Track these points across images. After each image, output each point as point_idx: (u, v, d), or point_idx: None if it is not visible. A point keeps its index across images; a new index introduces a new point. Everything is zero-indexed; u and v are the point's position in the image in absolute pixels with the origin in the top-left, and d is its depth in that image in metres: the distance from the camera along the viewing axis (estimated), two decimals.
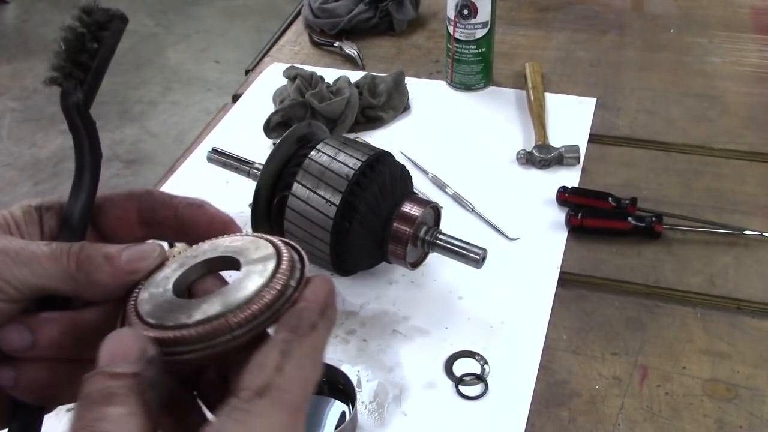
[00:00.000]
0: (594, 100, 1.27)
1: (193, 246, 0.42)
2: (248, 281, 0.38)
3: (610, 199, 1.03)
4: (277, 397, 0.34)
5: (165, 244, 0.99)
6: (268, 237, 0.42)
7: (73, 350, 0.40)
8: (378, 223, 0.87)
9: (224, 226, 0.44)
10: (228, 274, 0.41)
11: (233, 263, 0.40)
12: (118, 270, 0.39)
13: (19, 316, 0.39)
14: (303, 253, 0.41)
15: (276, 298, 0.37)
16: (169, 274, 0.40)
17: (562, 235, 1.00)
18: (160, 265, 0.41)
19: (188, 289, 0.40)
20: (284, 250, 0.40)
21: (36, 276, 0.39)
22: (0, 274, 0.38)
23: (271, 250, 0.40)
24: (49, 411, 0.42)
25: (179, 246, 0.43)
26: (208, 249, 0.41)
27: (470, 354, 0.85)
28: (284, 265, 0.39)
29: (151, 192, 0.44)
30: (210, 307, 0.36)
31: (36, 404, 0.41)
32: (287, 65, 1.30)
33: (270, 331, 0.37)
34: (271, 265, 0.39)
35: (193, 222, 0.44)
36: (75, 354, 0.40)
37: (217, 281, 0.41)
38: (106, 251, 0.39)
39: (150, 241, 0.42)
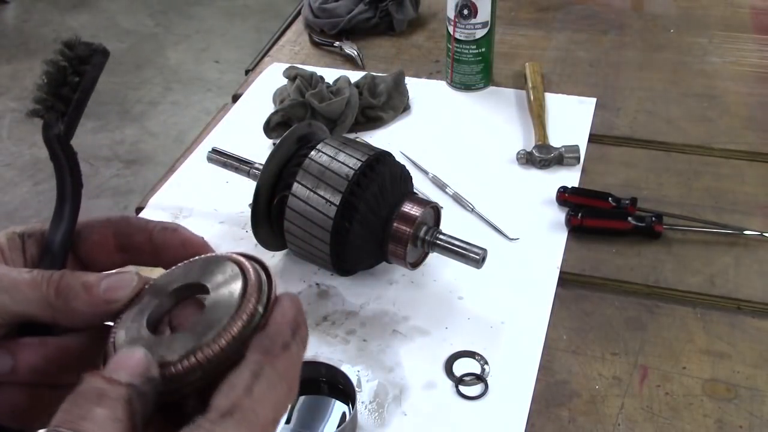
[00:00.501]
0: (594, 100, 1.27)
1: (167, 271, 0.43)
2: (216, 311, 0.39)
3: (610, 199, 1.03)
4: (243, 418, 0.35)
5: None
6: (234, 257, 0.42)
7: (53, 375, 0.41)
8: (378, 223, 0.87)
9: (198, 248, 0.45)
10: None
11: (201, 288, 0.41)
12: (96, 299, 0.40)
13: (0, 341, 0.40)
14: (269, 269, 0.42)
15: (243, 328, 0.38)
16: (144, 306, 0.40)
17: (562, 235, 1.00)
18: (137, 295, 0.41)
19: (164, 319, 0.41)
20: (250, 270, 0.41)
21: (15, 302, 0.39)
22: None
23: (236, 271, 0.41)
24: None
25: (155, 271, 0.43)
26: (179, 274, 0.42)
27: (470, 354, 0.85)
28: (250, 288, 0.39)
29: (127, 218, 0.45)
30: (182, 345, 0.37)
31: (14, 427, 0.41)
32: (287, 65, 1.30)
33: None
34: (237, 289, 0.39)
35: (168, 245, 0.45)
36: (55, 379, 0.41)
37: (190, 309, 0.42)
38: (84, 280, 0.40)
39: (128, 269, 0.42)
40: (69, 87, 0.42)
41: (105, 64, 0.43)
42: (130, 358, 0.36)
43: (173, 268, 0.43)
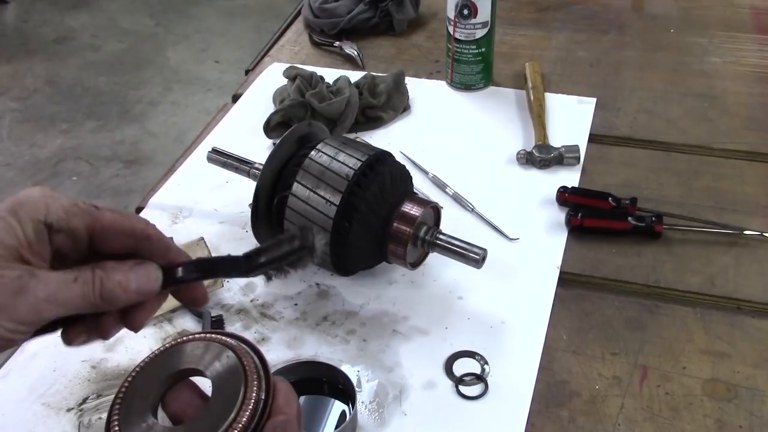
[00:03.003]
0: (594, 100, 1.27)
1: (155, 353, 0.48)
2: (222, 402, 0.43)
3: (610, 199, 1.03)
4: None
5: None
6: (226, 341, 0.46)
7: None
8: (378, 223, 0.87)
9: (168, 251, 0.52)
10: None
11: (197, 373, 0.45)
12: (131, 295, 0.48)
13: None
14: (260, 351, 0.45)
15: (251, 417, 0.42)
16: (143, 394, 0.45)
17: (562, 235, 1.00)
18: (133, 384, 0.47)
19: (162, 399, 0.46)
20: (246, 356, 0.45)
21: (67, 310, 0.46)
22: (42, 316, 0.45)
23: (233, 357, 0.45)
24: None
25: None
26: (172, 358, 0.47)
27: (470, 354, 0.85)
28: (250, 376, 0.43)
29: (149, 236, 0.52)
30: None
31: None
32: (287, 65, 1.30)
33: None
34: (239, 377, 0.43)
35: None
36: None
37: (186, 393, 0.48)
38: (119, 280, 0.48)
39: (150, 264, 0.50)
40: (270, 264, 0.49)
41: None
42: None
43: (161, 349, 0.48)
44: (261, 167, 0.92)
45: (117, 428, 0.44)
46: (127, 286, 0.48)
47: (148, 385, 0.46)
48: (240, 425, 0.42)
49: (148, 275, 0.49)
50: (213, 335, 0.48)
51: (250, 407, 0.42)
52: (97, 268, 0.48)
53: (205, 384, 0.48)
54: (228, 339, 0.47)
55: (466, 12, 1.23)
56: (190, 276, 0.50)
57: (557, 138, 1.16)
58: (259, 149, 1.13)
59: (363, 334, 0.88)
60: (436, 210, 0.91)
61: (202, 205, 1.07)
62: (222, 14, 3.97)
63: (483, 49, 1.27)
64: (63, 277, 0.47)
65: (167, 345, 0.49)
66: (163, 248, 0.52)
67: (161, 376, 0.47)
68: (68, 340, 0.50)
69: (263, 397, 0.43)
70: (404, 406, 0.80)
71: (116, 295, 0.47)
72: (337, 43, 1.43)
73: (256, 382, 0.43)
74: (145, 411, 0.45)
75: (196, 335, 0.49)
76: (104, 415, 0.53)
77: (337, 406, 0.79)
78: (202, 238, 0.93)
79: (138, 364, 0.48)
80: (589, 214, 1.00)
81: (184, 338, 0.49)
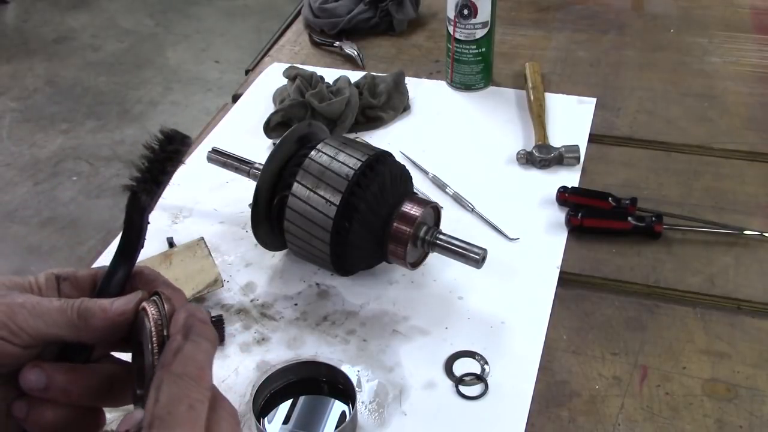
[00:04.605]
0: (594, 100, 1.27)
1: None
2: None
3: (610, 199, 1.03)
4: (161, 425, 0.42)
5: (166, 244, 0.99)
6: (144, 306, 0.49)
7: (79, 399, 0.49)
8: (378, 223, 0.87)
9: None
10: None
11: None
12: (110, 314, 0.49)
13: (38, 361, 0.48)
14: (165, 296, 0.49)
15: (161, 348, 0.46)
16: None
17: (562, 235, 1.00)
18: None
19: None
20: (149, 309, 0.48)
21: (47, 325, 0.47)
22: (18, 323, 0.47)
23: (143, 317, 0.48)
24: None
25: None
26: None
27: (470, 354, 0.85)
28: (154, 321, 0.47)
29: (141, 271, 0.53)
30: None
31: None
32: (287, 65, 1.30)
33: None
34: (149, 326, 0.47)
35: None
36: (80, 402, 0.49)
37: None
38: (100, 303, 0.49)
39: (132, 293, 0.51)
40: (164, 174, 0.50)
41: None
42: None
43: None
44: (261, 167, 0.92)
45: None
46: (105, 306, 0.49)
47: None
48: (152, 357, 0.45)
49: (127, 298, 0.50)
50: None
51: (154, 343, 0.46)
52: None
53: None
54: (145, 304, 0.49)
55: (466, 12, 1.23)
56: (117, 277, 0.52)
57: (557, 138, 1.16)
58: (259, 149, 1.13)
59: (363, 334, 0.88)
60: (436, 210, 0.91)
61: (202, 205, 1.07)
62: (222, 14, 3.97)
63: (483, 49, 1.27)
64: (50, 299, 0.49)
65: None
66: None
67: None
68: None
69: (165, 334, 0.46)
70: (404, 406, 0.80)
71: (93, 313, 0.48)
72: (337, 43, 1.43)
73: (158, 324, 0.47)
74: None
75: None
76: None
77: (337, 406, 0.79)
78: (202, 238, 0.93)
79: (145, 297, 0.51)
80: (589, 214, 1.00)
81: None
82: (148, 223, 0.52)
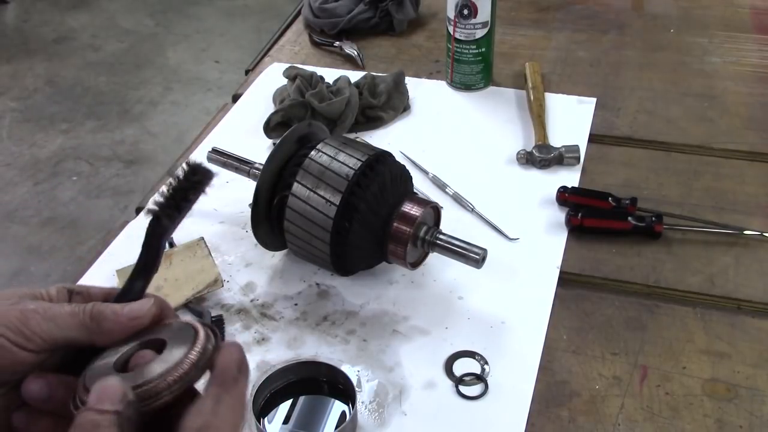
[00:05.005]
0: (594, 100, 1.27)
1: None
2: (174, 352, 0.48)
3: (610, 199, 1.03)
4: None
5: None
6: (191, 322, 0.51)
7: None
8: (378, 223, 0.87)
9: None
10: None
11: (161, 342, 0.49)
12: (122, 318, 0.50)
13: (42, 372, 0.49)
14: (216, 330, 0.51)
15: (198, 357, 0.47)
16: (108, 359, 0.49)
17: (562, 235, 1.00)
18: (100, 354, 0.50)
19: (126, 362, 0.49)
20: (198, 325, 0.50)
21: (59, 329, 0.48)
22: (31, 327, 0.47)
23: (188, 326, 0.50)
24: None
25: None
26: (145, 333, 0.51)
27: (470, 354, 0.85)
28: (200, 335, 0.49)
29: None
30: (150, 372, 0.46)
31: None
32: (287, 65, 1.30)
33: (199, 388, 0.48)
34: (189, 336, 0.49)
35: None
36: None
37: (148, 353, 0.50)
38: (112, 308, 0.50)
39: (148, 299, 0.52)
40: (185, 201, 0.54)
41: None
42: (108, 387, 0.44)
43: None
44: (261, 167, 0.91)
45: (82, 379, 0.47)
46: (117, 310, 0.50)
47: (116, 350, 0.49)
48: (190, 361, 0.47)
49: (142, 303, 0.51)
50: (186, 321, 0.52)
51: (196, 350, 0.47)
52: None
53: None
54: (193, 321, 0.51)
55: (466, 12, 1.23)
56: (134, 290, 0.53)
57: (557, 138, 1.16)
58: (259, 149, 1.13)
59: (363, 334, 0.88)
60: (436, 210, 0.91)
61: (202, 205, 1.06)
62: (222, 14, 3.97)
63: (483, 49, 1.27)
64: (60, 304, 0.50)
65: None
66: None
67: (129, 343, 0.50)
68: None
69: (210, 348, 0.48)
70: (404, 406, 0.80)
71: (105, 315, 0.49)
72: (337, 43, 1.43)
73: (204, 338, 0.48)
74: (109, 365, 0.48)
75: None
76: None
77: (337, 406, 0.79)
78: (202, 238, 0.93)
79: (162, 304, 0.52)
80: (589, 214, 1.00)
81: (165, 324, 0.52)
82: (165, 248, 0.54)
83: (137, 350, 0.50)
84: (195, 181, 0.54)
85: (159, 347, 0.49)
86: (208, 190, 0.55)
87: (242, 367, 0.48)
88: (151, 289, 0.54)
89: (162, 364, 0.47)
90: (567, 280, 0.94)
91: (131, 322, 0.50)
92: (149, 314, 0.50)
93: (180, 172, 0.54)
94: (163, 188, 0.53)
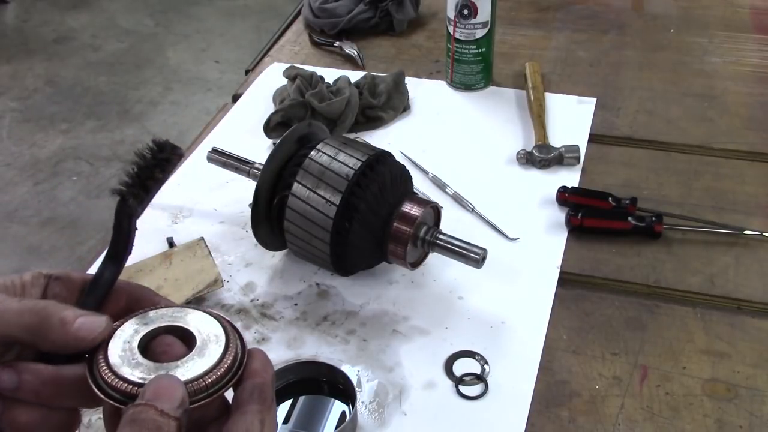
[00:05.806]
0: (594, 100, 1.27)
1: (143, 311, 0.50)
2: (207, 348, 0.47)
3: (610, 199, 1.03)
4: None
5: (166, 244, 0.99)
6: (208, 310, 0.50)
7: (51, 400, 0.47)
8: (378, 223, 0.87)
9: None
10: None
11: (184, 331, 0.48)
12: (68, 335, 0.46)
13: (14, 361, 0.47)
14: (234, 325, 0.50)
15: (233, 362, 0.46)
16: (129, 338, 0.47)
17: (562, 235, 1.00)
18: (118, 326, 0.48)
19: (147, 344, 0.48)
20: (228, 324, 0.49)
21: (6, 326, 0.45)
22: None
23: (216, 323, 0.49)
24: None
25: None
26: (163, 314, 0.50)
27: (470, 354, 0.85)
28: (230, 335, 0.48)
29: (141, 288, 0.53)
30: (189, 371, 0.45)
31: None
32: (287, 65, 1.30)
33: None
34: (221, 334, 0.48)
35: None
36: (53, 403, 0.47)
37: (170, 339, 0.48)
38: (62, 315, 0.46)
39: (102, 316, 0.47)
40: (153, 180, 0.51)
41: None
42: (175, 390, 0.43)
43: (150, 309, 0.50)
44: (261, 167, 0.92)
45: (104, 363, 0.45)
46: (66, 321, 0.46)
47: (138, 330, 0.48)
48: (226, 365, 0.45)
49: (93, 321, 0.47)
50: (196, 307, 0.51)
51: (232, 355, 0.46)
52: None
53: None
54: (210, 311, 0.50)
55: (466, 12, 1.23)
56: (103, 288, 0.51)
57: (557, 138, 1.16)
58: (259, 149, 1.13)
59: (363, 334, 0.88)
60: (436, 210, 0.91)
61: (202, 205, 1.07)
62: (222, 14, 3.97)
63: (483, 49, 1.27)
64: (12, 298, 0.47)
65: (159, 307, 0.50)
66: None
67: (154, 325, 0.48)
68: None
69: (240, 353, 0.47)
70: (404, 406, 0.80)
71: (51, 324, 0.45)
72: (337, 43, 1.43)
73: (234, 342, 0.47)
74: (135, 351, 0.46)
75: (189, 308, 0.51)
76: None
77: (337, 406, 0.79)
78: (202, 238, 0.93)
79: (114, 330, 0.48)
80: (589, 214, 1.00)
81: (181, 307, 0.51)
82: (136, 228, 0.52)
83: (162, 333, 0.48)
84: (162, 159, 0.51)
85: (182, 336, 0.48)
86: (175, 168, 0.52)
87: (274, 379, 0.48)
88: (151, 288, 0.53)
89: (201, 362, 0.45)
90: (567, 280, 0.94)
91: (76, 342, 0.46)
92: (99, 337, 0.46)
93: (146, 150, 0.51)
94: (130, 167, 0.51)
